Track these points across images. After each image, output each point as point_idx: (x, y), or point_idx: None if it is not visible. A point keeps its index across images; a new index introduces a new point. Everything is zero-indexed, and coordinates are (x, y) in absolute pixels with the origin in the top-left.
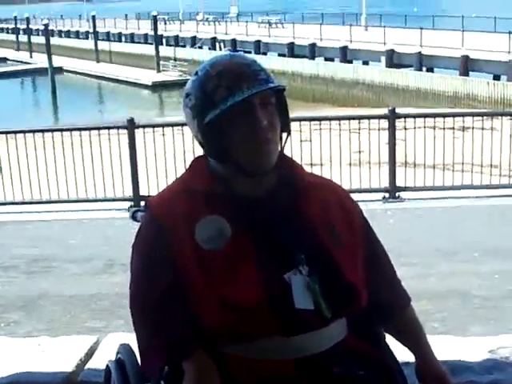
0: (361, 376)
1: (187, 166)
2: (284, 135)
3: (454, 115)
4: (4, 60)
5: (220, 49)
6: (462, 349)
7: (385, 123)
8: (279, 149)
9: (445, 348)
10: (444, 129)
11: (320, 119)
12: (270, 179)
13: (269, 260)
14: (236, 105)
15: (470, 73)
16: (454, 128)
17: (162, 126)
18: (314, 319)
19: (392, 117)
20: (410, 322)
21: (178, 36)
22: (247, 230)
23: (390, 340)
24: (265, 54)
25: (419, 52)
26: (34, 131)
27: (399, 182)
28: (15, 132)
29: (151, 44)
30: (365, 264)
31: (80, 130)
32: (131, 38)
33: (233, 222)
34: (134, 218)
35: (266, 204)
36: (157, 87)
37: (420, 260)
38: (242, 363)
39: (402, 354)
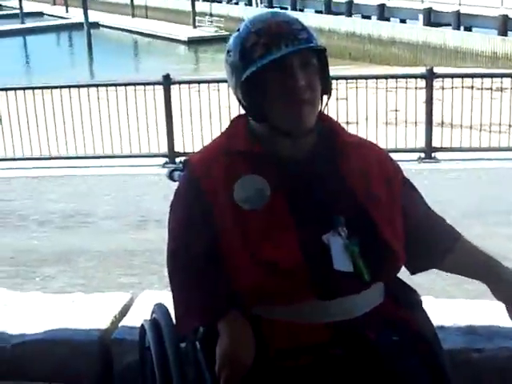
0: (396, 342)
1: (227, 125)
2: (325, 97)
3: (492, 76)
4: (40, 14)
5: (256, 5)
6: (496, 314)
7: (422, 82)
8: (318, 110)
9: (480, 313)
10: (482, 89)
11: (356, 78)
12: (310, 140)
13: (308, 221)
14: (273, 63)
15: (509, 32)
16: (491, 88)
17: (198, 82)
18: (353, 282)
19: (430, 76)
20: (471, 251)
21: None
22: (286, 190)
23: (427, 306)
24: (302, 10)
25: (457, 11)
26: (70, 86)
27: (435, 143)
28: (52, 87)
29: None
30: (410, 217)
31: (116, 85)
32: None
33: (272, 183)
34: (171, 177)
35: (305, 165)
36: (192, 43)
37: (454, 222)
38: (277, 327)
39: (438, 318)
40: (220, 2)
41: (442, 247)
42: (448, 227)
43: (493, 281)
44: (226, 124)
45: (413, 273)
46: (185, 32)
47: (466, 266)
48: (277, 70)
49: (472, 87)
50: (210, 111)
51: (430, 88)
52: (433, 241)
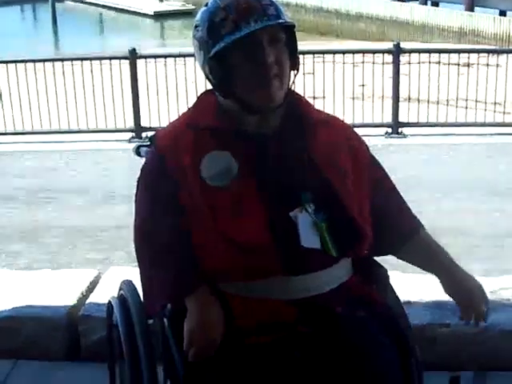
0: (362, 317)
1: (194, 100)
2: (293, 72)
3: (459, 51)
4: None
5: None
6: None
7: (389, 57)
8: (287, 86)
9: None
10: (449, 64)
11: (324, 52)
12: (278, 116)
13: (275, 198)
14: (242, 39)
15: (476, 8)
16: (458, 64)
17: (164, 56)
18: (321, 259)
19: (397, 51)
20: (429, 243)
21: None
22: (254, 167)
23: (394, 281)
24: None
25: None
26: (34, 61)
27: (402, 118)
28: (16, 61)
29: None
30: (373, 196)
31: (81, 59)
32: None
33: (239, 159)
34: (137, 153)
35: (273, 141)
36: (159, 17)
37: (420, 197)
38: (244, 304)
39: (405, 294)
40: None
41: (401, 235)
42: (410, 215)
43: (446, 279)
44: (192, 99)
45: (369, 255)
46: (151, 6)
47: (422, 259)
48: (245, 46)
49: (439, 62)
50: (177, 86)
51: (396, 63)
52: (392, 227)
